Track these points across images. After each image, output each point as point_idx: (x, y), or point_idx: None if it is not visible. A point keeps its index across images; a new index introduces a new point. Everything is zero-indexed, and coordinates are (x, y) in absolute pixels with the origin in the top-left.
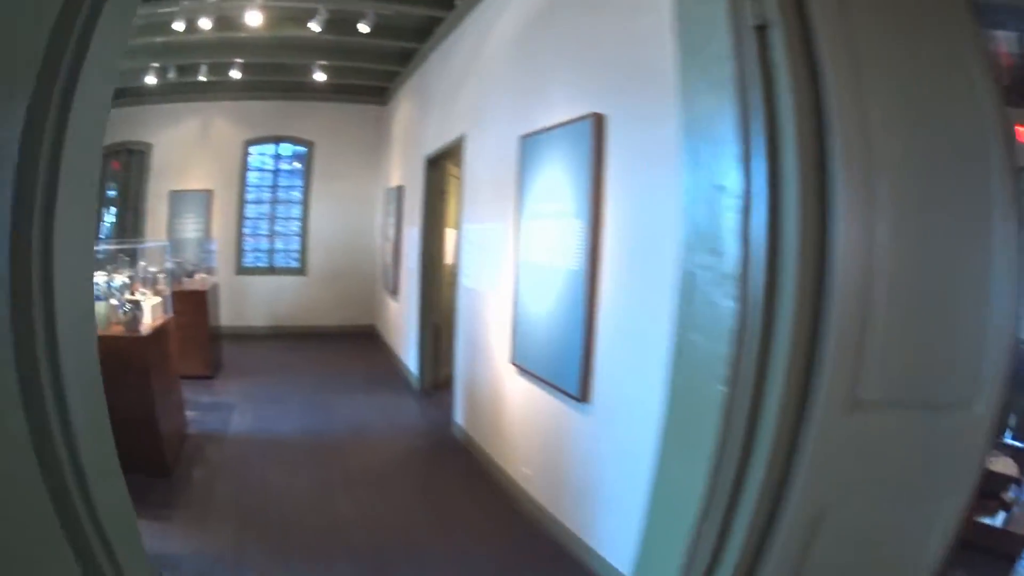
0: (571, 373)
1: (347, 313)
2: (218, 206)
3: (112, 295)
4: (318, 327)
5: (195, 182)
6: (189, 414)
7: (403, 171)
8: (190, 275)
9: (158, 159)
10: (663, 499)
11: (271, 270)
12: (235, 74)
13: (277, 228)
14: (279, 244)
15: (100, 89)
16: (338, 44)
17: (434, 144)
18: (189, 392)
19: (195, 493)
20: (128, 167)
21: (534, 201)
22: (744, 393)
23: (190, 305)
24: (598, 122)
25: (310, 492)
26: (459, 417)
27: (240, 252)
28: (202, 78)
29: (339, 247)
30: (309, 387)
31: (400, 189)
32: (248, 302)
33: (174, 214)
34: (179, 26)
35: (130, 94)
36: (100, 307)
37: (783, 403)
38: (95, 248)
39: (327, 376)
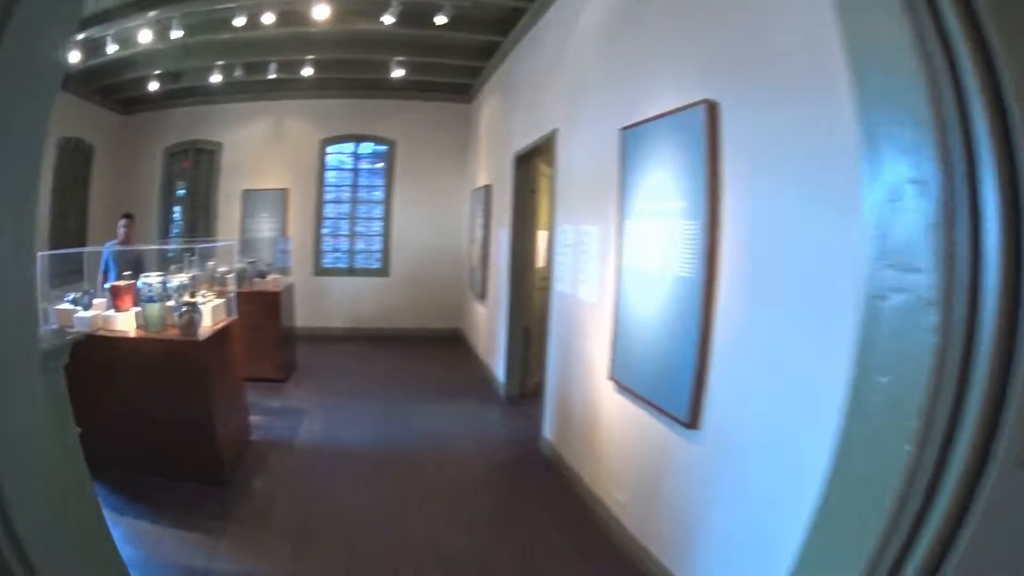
0: (679, 395)
1: (431, 316)
2: (294, 205)
3: (169, 297)
4: (400, 330)
5: (270, 181)
6: (254, 419)
7: (491, 170)
8: (262, 275)
9: (229, 158)
10: (813, 566)
11: (351, 271)
12: (307, 71)
13: (358, 229)
14: (360, 245)
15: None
16: (415, 38)
17: (523, 141)
18: (257, 396)
19: (252, 506)
20: (198, 166)
21: (639, 199)
22: (930, 455)
23: (261, 306)
24: (710, 110)
25: (379, 509)
26: (548, 431)
27: (319, 252)
28: (272, 76)
29: (423, 248)
30: (387, 393)
31: (488, 189)
32: (327, 303)
33: (248, 213)
34: (239, 22)
35: (197, 93)
36: (154, 309)
37: (966, 467)
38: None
39: (407, 381)
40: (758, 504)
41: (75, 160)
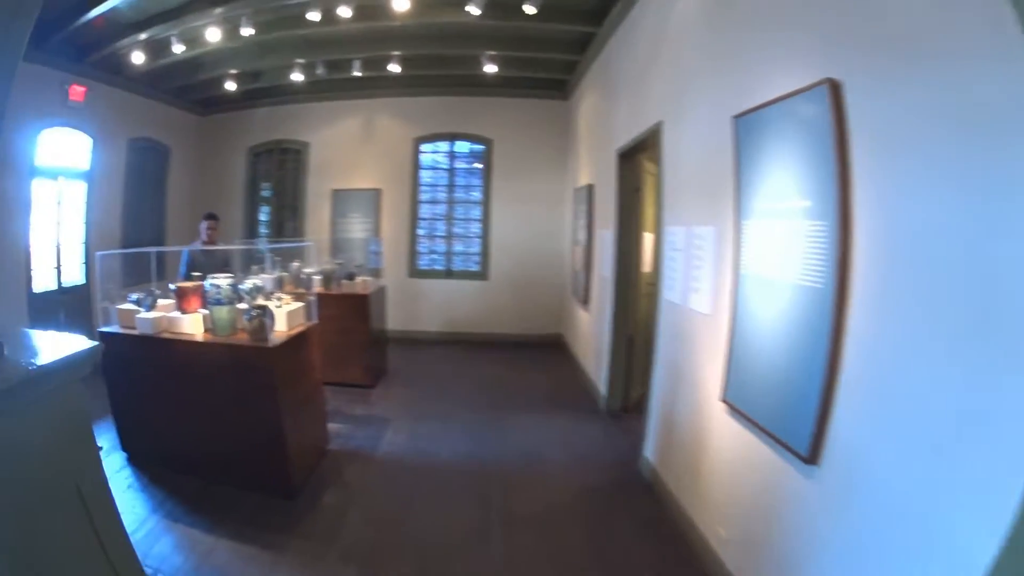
0: (799, 425)
1: (531, 321)
2: (388, 206)
3: (239, 299)
4: (498, 335)
5: (361, 181)
6: (334, 427)
7: (592, 168)
8: (351, 277)
9: (317, 157)
10: None
11: (448, 273)
12: (394, 68)
13: (456, 230)
14: (458, 246)
15: None
16: (504, 31)
17: (625, 136)
18: (341, 402)
19: (321, 521)
20: (283, 166)
21: (758, 197)
22: None
23: (349, 309)
24: (834, 90)
25: (460, 532)
26: (649, 451)
27: (414, 254)
28: (357, 74)
29: (524, 250)
30: (480, 402)
31: (590, 188)
32: (422, 306)
33: (338, 213)
34: (314, 16)
35: (279, 92)
36: (222, 312)
37: None
38: None
39: (502, 390)
40: (880, 566)
41: (149, 161)
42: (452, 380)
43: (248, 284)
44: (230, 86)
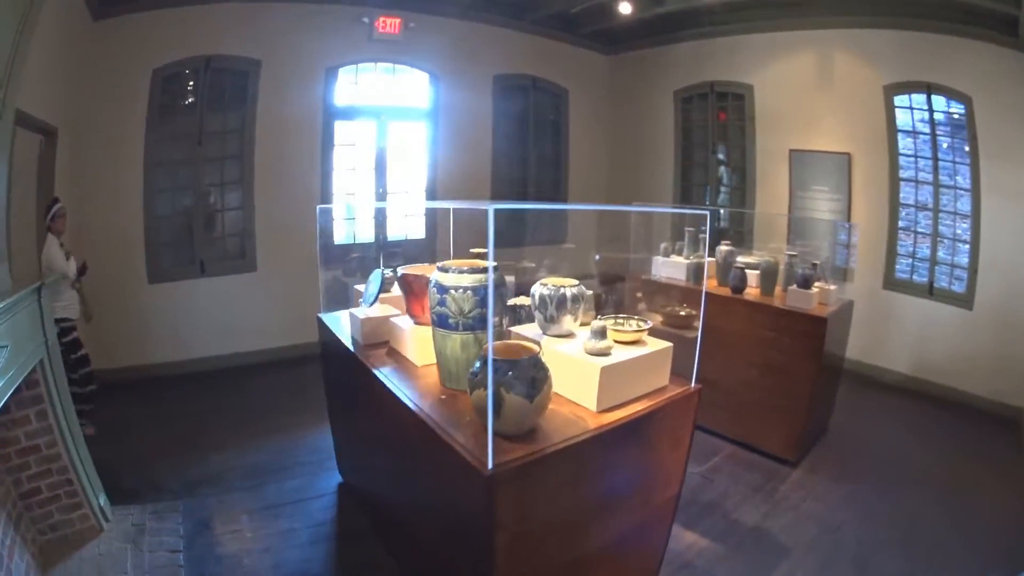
0: None
1: None
2: (859, 179)
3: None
4: (976, 398)
5: (822, 140)
6: (688, 539)
7: None
8: (805, 282)
9: (763, 106)
10: None
11: (928, 291)
12: None
13: (941, 227)
14: (940, 252)
15: None
16: None
17: None
18: (726, 481)
19: None
20: (720, 115)
21: None
22: None
23: (791, 335)
24: None
25: None
26: None
27: (892, 255)
28: None
29: None
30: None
31: None
32: (890, 332)
33: (797, 184)
34: None
35: (698, 23)
36: (450, 343)
37: None
38: None
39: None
40: None
41: (528, 102)
42: (924, 467)
43: (569, 291)
44: (624, 8)
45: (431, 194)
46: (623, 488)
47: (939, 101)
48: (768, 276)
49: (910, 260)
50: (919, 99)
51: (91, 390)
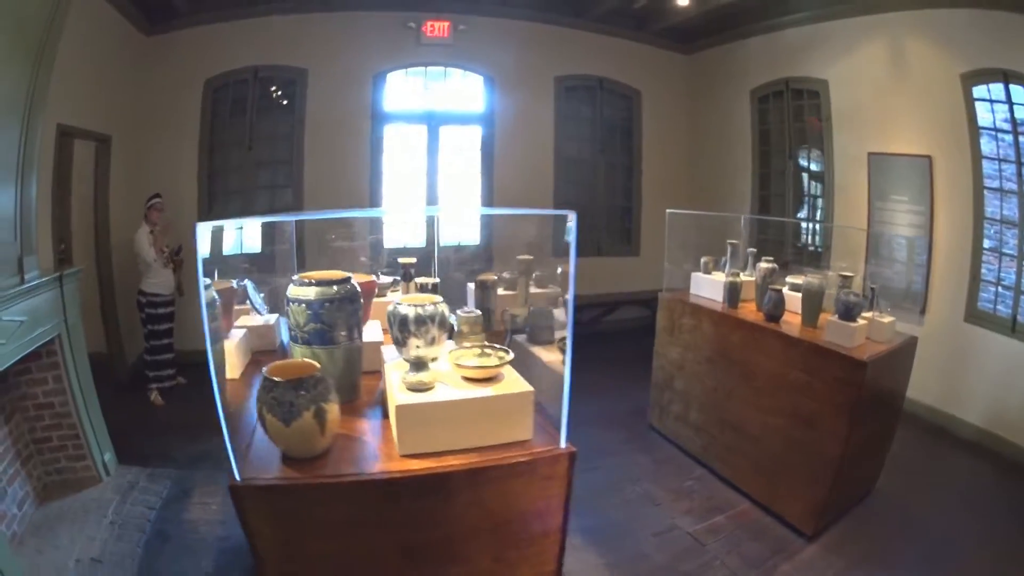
0: None
1: None
2: (942, 188)
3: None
4: None
5: (900, 142)
6: None
7: None
8: (848, 312)
9: (840, 103)
10: None
11: (1013, 327)
12: None
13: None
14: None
15: None
16: None
17: None
18: (721, 547)
19: None
20: (798, 114)
21: None
22: None
23: (820, 381)
24: None
25: None
26: None
27: (975, 281)
28: None
29: None
30: None
31: None
32: (968, 374)
33: (875, 193)
34: None
35: (775, 12)
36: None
37: None
38: None
39: None
40: None
41: (594, 105)
42: (974, 557)
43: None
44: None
45: (487, 200)
46: (447, 552)
47: (1018, 92)
48: (811, 301)
49: (994, 288)
50: (997, 90)
51: (167, 359)
